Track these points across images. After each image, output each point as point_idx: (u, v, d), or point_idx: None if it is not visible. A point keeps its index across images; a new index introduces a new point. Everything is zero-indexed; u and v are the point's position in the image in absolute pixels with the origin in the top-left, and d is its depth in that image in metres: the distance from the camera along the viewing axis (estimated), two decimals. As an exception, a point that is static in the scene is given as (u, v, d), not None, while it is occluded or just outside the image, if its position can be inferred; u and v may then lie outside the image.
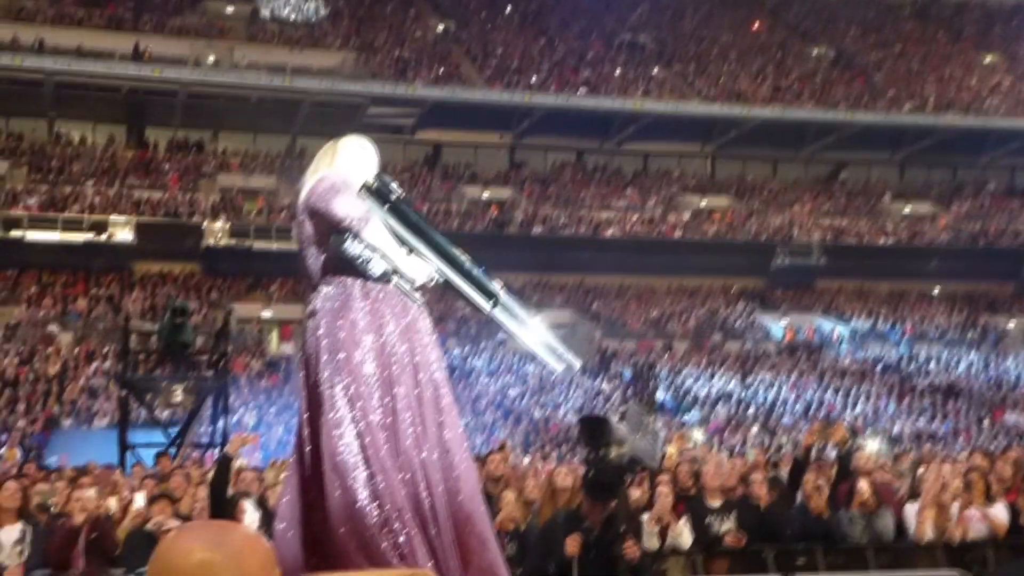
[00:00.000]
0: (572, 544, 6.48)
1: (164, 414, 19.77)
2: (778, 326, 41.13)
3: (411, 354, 4.58)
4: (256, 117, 42.05)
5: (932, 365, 37.93)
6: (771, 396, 34.48)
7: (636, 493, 9.00)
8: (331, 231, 4.57)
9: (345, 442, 4.35)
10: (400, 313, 4.61)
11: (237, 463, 10.57)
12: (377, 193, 4.63)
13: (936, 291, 44.36)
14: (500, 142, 45.97)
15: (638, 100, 44.49)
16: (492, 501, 8.10)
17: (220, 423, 18.10)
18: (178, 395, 17.29)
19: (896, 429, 32.02)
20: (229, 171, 41.32)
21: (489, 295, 4.77)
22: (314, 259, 4.69)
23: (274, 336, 36.15)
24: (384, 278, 4.59)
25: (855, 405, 34.07)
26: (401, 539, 4.23)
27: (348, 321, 4.53)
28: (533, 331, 4.99)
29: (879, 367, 37.68)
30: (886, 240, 44.28)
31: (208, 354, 19.36)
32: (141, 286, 36.07)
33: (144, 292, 35.55)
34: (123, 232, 36.23)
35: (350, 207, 4.52)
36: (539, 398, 32.09)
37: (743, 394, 34.42)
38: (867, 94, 48.31)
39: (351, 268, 4.57)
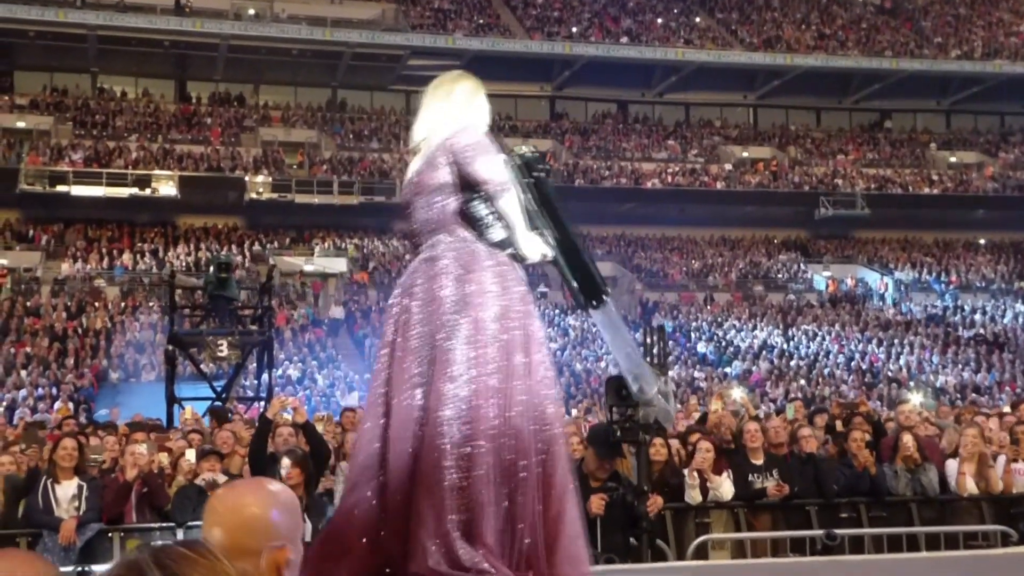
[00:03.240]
0: (597, 504, 6.48)
1: (210, 368, 19.97)
2: (821, 277, 40.84)
3: (526, 325, 4.46)
4: (296, 70, 42.14)
5: (977, 316, 37.55)
6: (814, 348, 34.32)
7: (676, 448, 9.06)
8: (466, 185, 4.49)
9: (456, 404, 4.22)
10: (519, 281, 4.52)
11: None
12: (526, 165, 4.57)
13: (982, 241, 43.82)
14: (541, 93, 45.73)
15: (680, 49, 44.02)
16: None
17: (265, 377, 18.34)
18: (223, 349, 17.41)
19: (940, 381, 31.79)
20: (270, 124, 41.46)
21: (596, 294, 4.70)
22: (438, 207, 4.52)
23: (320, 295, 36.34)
24: (500, 246, 4.50)
25: (898, 357, 33.84)
26: (466, 516, 4.14)
27: (476, 280, 4.40)
28: (625, 343, 4.96)
29: (923, 318, 37.37)
30: (931, 190, 43.69)
31: (252, 308, 19.56)
32: (185, 240, 36.40)
33: (188, 246, 35.87)
34: (166, 186, 36.48)
35: (494, 171, 4.45)
36: (580, 351, 32.14)
37: (785, 346, 34.28)
38: (913, 41, 47.51)
39: (472, 226, 4.49)
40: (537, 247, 4.53)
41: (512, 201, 4.47)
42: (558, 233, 4.61)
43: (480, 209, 4.45)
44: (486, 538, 4.13)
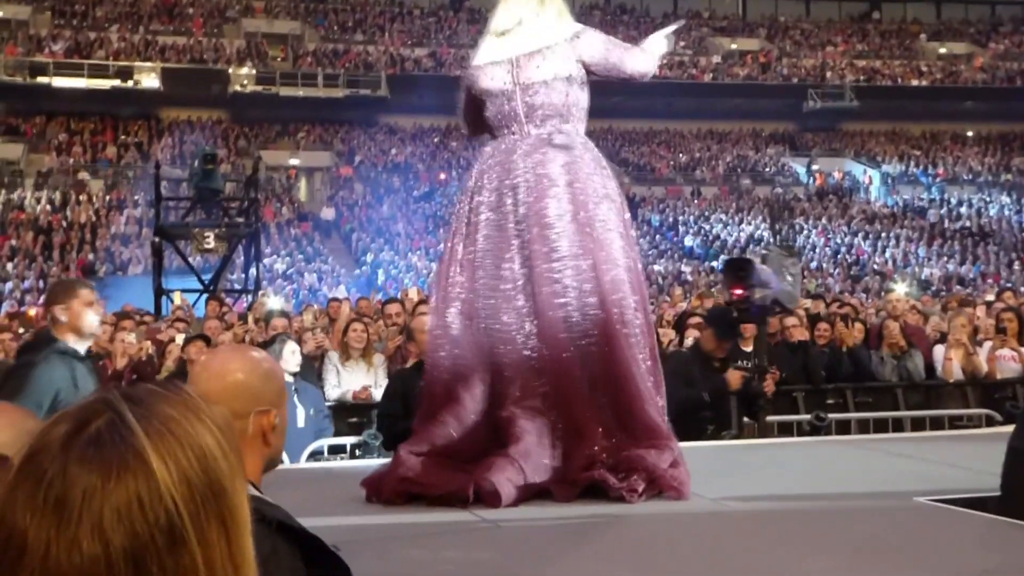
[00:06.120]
0: (737, 378, 6.79)
1: (197, 260, 19.95)
2: (809, 170, 40.73)
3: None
4: (279, -41, 41.26)
5: (964, 208, 37.60)
6: (800, 241, 34.37)
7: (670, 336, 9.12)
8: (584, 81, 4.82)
9: (621, 285, 4.48)
10: None
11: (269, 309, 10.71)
12: None
13: (970, 133, 43.65)
14: (527, -17, 44.93)
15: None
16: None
17: (252, 270, 18.33)
18: (210, 241, 17.35)
19: (926, 273, 31.97)
20: (254, 15, 40.72)
21: None
22: (558, 94, 4.73)
23: (303, 184, 36.17)
24: None
25: (884, 250, 33.96)
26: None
27: (608, 174, 4.78)
28: None
29: (910, 211, 37.41)
30: (920, 81, 43.36)
31: (239, 200, 19.46)
32: (169, 132, 36.02)
33: (172, 139, 35.51)
34: (149, 78, 35.97)
35: (641, 64, 4.99)
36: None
37: (772, 240, 34.30)
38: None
39: (579, 118, 4.80)
40: None
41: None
42: None
43: (583, 104, 4.80)
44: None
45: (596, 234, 4.46)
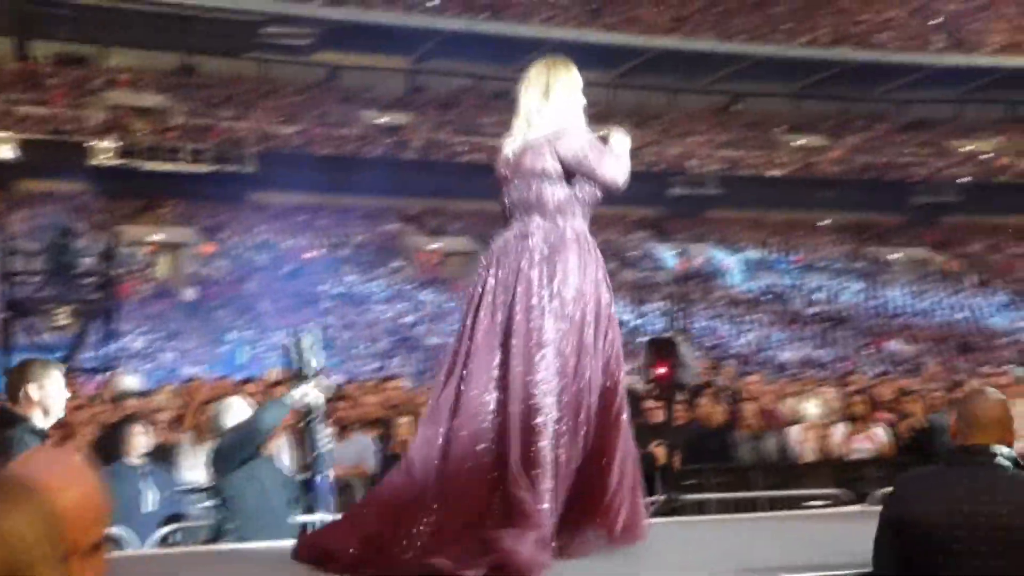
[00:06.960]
0: (661, 453, 6.86)
1: (49, 337, 19.27)
2: (672, 255, 41.63)
3: (599, 305, 4.88)
4: (147, 32, 40.71)
5: (819, 294, 38.89)
6: (663, 325, 34.97)
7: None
8: (567, 176, 4.89)
9: (543, 373, 4.44)
10: (598, 264, 5.06)
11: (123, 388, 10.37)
12: None
13: (827, 221, 45.30)
14: (400, 66, 45.33)
15: (541, 26, 44.17)
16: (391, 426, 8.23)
17: (107, 347, 17.81)
18: (63, 318, 16.89)
19: (783, 356, 32.82)
20: (118, 88, 40.07)
21: None
22: (535, 190, 4.89)
23: (165, 260, 35.46)
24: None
25: (745, 333, 34.80)
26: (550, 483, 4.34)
27: (561, 259, 4.78)
28: None
29: (769, 296, 38.49)
30: (780, 171, 44.97)
31: (95, 276, 18.95)
32: (25, 205, 34.94)
33: (28, 211, 34.44)
34: (5, 149, 34.98)
35: (617, 171, 4.96)
36: (434, 326, 32.10)
37: (636, 323, 34.86)
38: (765, 25, 48.65)
39: (564, 212, 4.89)
40: None
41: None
42: None
43: (574, 198, 4.92)
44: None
45: (512, 335, 4.55)
